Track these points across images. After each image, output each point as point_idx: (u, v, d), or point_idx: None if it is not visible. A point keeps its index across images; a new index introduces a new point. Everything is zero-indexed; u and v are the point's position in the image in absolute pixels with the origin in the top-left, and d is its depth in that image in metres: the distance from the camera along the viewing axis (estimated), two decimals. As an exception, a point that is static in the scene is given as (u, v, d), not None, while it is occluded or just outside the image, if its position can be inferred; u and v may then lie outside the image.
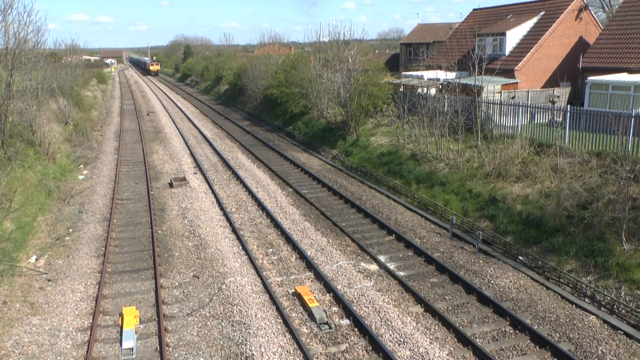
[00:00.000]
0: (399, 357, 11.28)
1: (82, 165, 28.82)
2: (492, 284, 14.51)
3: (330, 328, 12.43)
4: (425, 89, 29.48)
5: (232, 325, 12.66)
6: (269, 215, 20.11)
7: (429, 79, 31.84)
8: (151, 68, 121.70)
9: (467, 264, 15.79)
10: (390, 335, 12.08)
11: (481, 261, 15.93)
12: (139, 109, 54.96)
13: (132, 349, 11.68)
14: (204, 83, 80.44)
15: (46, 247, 17.42)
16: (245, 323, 12.70)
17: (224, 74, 66.47)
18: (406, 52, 56.85)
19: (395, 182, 23.27)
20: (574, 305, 13.20)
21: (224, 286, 14.60)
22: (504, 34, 33.52)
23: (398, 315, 12.90)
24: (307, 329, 12.51)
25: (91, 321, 12.88)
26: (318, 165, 28.57)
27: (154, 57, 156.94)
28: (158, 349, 11.76)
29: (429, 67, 36.88)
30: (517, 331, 12.18)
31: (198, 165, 28.77)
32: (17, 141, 22.91)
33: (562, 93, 27.59)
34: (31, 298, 14.05)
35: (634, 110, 18.04)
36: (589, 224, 15.11)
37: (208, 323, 12.84)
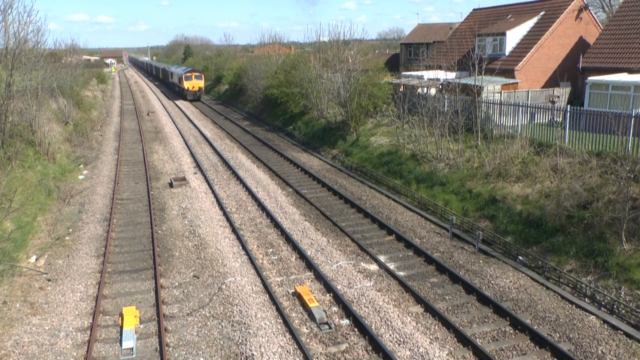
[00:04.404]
0: (399, 357, 11.28)
1: (82, 165, 28.82)
2: (492, 284, 14.51)
3: (330, 328, 12.43)
4: (425, 89, 29.47)
5: (232, 325, 12.66)
6: (269, 215, 20.10)
7: (429, 79, 31.83)
8: (186, 85, 60.67)
9: (467, 264, 15.79)
10: (390, 335, 12.08)
11: (481, 261, 15.93)
12: (139, 109, 54.96)
13: (132, 348, 11.68)
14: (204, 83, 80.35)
15: (46, 247, 17.42)
16: (245, 323, 12.70)
17: (224, 74, 66.48)
18: (406, 52, 56.85)
19: (395, 182, 23.27)
20: (574, 305, 13.20)
21: (224, 286, 14.60)
22: (504, 34, 33.52)
23: (398, 315, 12.90)
24: (307, 329, 12.51)
25: (91, 321, 12.88)
26: (318, 165, 28.57)
27: (157, 58, 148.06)
28: (158, 349, 11.77)
29: (429, 67, 36.85)
30: (517, 331, 12.18)
31: (198, 165, 28.77)
32: (17, 141, 22.90)
33: (562, 93, 27.59)
34: (31, 298, 14.05)
35: (634, 110, 18.04)
36: (589, 224, 15.10)
37: (208, 323, 12.84)
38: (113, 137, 38.71)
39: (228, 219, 19.82)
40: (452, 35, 42.57)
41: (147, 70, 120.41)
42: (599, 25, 33.46)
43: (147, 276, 15.40)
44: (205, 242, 17.86)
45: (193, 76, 61.72)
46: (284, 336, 12.13)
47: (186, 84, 60.99)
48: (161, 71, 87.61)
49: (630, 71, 25.12)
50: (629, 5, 29.08)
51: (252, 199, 22.55)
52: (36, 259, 16.44)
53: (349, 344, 11.84)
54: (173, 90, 71.41)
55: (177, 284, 14.92)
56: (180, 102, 60.42)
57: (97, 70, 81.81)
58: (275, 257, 16.60)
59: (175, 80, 68.18)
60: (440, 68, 33.33)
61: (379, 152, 26.55)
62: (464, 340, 11.72)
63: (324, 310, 13.05)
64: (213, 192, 23.45)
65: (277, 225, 19.07)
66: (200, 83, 62.00)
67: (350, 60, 35.22)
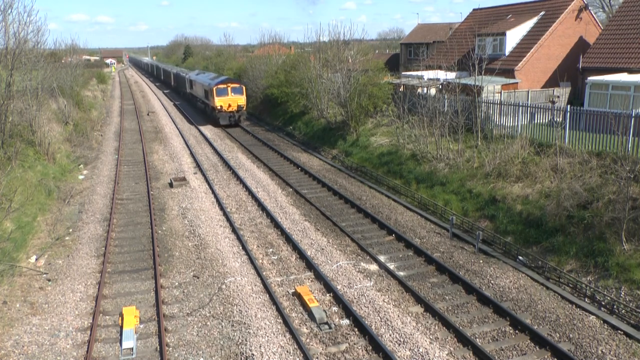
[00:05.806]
0: (399, 357, 11.28)
1: (82, 165, 28.82)
2: (492, 284, 14.51)
3: (330, 328, 12.43)
4: (425, 89, 29.47)
5: (232, 325, 12.66)
6: (269, 215, 20.10)
7: (429, 79, 31.83)
8: (217, 103, 39.52)
9: (467, 264, 15.79)
10: (390, 335, 12.08)
11: (481, 261, 15.93)
12: (139, 109, 54.94)
13: (132, 348, 11.68)
14: (204, 83, 79.99)
15: (46, 247, 17.42)
16: (245, 323, 12.70)
17: (224, 74, 66.40)
18: (406, 52, 56.84)
19: (395, 182, 23.26)
20: (574, 305, 13.20)
21: (224, 286, 14.60)
22: (504, 34, 33.52)
23: (398, 315, 12.90)
24: (307, 329, 12.51)
25: (91, 321, 12.88)
26: (318, 165, 28.56)
27: (157, 58, 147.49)
28: (158, 349, 11.77)
29: (429, 67, 36.87)
30: (517, 331, 12.18)
31: (198, 165, 28.77)
32: (17, 141, 22.91)
33: (562, 93, 27.58)
34: (31, 298, 14.05)
35: (634, 110, 18.04)
36: (589, 224, 15.10)
37: (208, 323, 12.84)
38: (113, 137, 38.70)
39: (228, 219, 19.82)
40: (452, 35, 42.57)
41: (152, 74, 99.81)
42: (599, 25, 33.47)
43: (147, 276, 15.40)
44: (205, 242, 17.86)
45: (229, 89, 40.00)
46: (284, 336, 12.13)
47: (218, 101, 39.67)
48: (174, 77, 64.84)
49: (630, 71, 25.11)
50: (629, 5, 29.08)
51: (252, 199, 22.55)
52: (36, 259, 16.44)
53: (349, 344, 11.84)
54: (194, 105, 51.90)
55: (177, 284, 14.92)
56: (206, 128, 40.54)
57: (97, 70, 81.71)
58: (275, 257, 16.60)
59: (198, 92, 47.05)
60: (440, 68, 33.34)
61: (379, 152, 26.55)
62: (464, 340, 11.72)
63: (324, 310, 13.05)
64: (213, 192, 23.44)
65: (277, 225, 19.06)
66: (240, 99, 40.50)
67: (350, 60, 35.23)
